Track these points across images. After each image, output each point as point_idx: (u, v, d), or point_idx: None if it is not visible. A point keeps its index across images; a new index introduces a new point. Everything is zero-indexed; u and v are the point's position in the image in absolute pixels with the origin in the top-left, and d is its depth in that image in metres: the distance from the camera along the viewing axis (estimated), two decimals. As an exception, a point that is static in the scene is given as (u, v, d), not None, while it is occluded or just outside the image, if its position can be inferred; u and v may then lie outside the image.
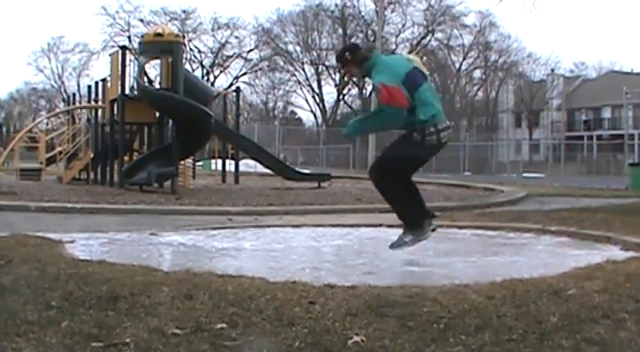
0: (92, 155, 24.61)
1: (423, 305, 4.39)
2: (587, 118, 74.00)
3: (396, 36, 71.87)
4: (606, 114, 71.45)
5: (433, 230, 7.29)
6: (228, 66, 75.65)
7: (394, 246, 7.13)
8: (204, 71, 72.38)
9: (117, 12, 70.94)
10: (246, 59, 75.27)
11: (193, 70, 63.89)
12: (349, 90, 74.35)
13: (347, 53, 7.36)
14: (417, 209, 7.21)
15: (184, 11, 72.57)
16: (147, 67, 22.93)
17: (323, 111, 75.25)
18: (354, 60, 7.22)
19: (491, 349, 3.78)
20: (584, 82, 77.76)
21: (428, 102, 6.88)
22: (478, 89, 79.74)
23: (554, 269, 5.95)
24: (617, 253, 7.35)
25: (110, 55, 24.05)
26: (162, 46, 20.46)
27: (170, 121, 21.09)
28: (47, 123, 49.34)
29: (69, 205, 14.13)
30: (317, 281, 5.21)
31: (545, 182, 31.15)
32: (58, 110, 59.03)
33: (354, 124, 7.28)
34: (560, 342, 3.87)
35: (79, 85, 74.29)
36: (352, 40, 67.24)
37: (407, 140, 7.04)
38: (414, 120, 6.82)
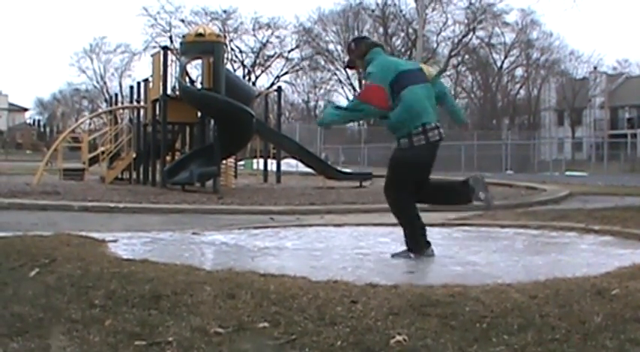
0: (134, 155, 24.80)
1: (466, 304, 4.35)
2: (631, 116, 73.27)
3: (437, 34, 71.92)
4: (650, 112, 70.85)
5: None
6: (269, 65, 76.18)
7: (397, 256, 7.09)
8: (246, 71, 72.86)
9: (158, 13, 71.86)
10: (287, 59, 75.74)
11: (235, 70, 64.24)
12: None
13: (352, 44, 7.41)
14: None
15: (225, 11, 73.34)
16: (188, 67, 23.07)
17: (364, 110, 75.19)
18: (357, 52, 7.26)
19: (534, 349, 3.74)
20: (627, 80, 77.10)
21: (412, 103, 6.82)
22: (520, 87, 79.43)
23: (598, 269, 5.89)
24: (662, 252, 7.25)
25: (152, 56, 24.21)
26: (204, 46, 20.57)
27: (212, 121, 21.19)
28: (90, 124, 49.95)
29: (111, 205, 14.23)
30: (359, 280, 5.19)
31: (588, 181, 30.85)
32: (100, 110, 59.68)
33: (333, 113, 7.09)
34: (604, 343, 3.82)
35: (121, 86, 75.34)
36: (393, 39, 67.29)
37: (397, 150, 7.08)
38: (397, 124, 6.88)
